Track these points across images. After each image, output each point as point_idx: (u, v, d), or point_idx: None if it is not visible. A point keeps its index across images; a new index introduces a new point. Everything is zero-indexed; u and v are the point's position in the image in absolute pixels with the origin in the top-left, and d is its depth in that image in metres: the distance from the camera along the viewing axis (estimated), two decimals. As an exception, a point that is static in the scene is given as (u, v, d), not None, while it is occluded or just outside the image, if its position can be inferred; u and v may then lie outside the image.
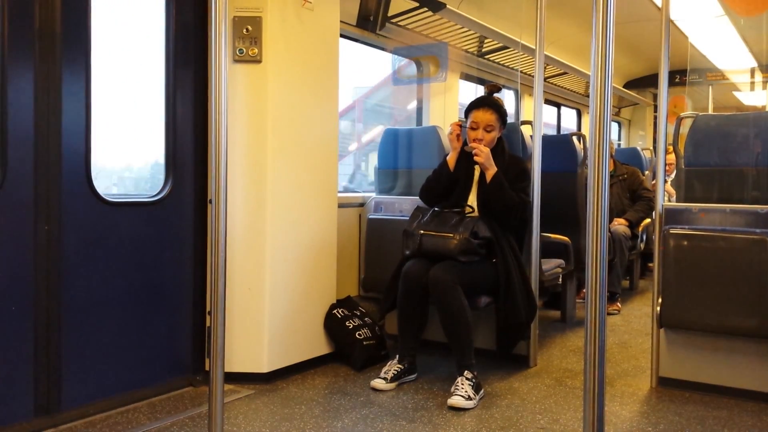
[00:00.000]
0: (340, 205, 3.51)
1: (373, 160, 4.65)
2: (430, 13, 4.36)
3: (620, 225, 4.86)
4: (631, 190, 5.13)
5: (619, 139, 9.57)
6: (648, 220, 5.07)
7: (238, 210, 2.95)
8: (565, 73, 6.75)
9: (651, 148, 7.42)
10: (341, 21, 3.44)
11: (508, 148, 3.23)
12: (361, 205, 3.97)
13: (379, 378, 2.99)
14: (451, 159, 3.15)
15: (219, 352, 1.94)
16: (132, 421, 2.55)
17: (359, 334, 3.28)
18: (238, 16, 2.92)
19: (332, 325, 3.31)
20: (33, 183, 2.40)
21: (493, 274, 3.00)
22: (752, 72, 7.51)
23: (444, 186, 3.15)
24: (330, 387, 3.00)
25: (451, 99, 5.18)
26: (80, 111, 2.53)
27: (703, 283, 2.84)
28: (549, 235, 3.68)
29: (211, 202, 1.96)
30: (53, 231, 2.46)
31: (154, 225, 2.84)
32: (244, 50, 2.92)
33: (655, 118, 8.90)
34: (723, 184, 3.07)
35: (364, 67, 5.36)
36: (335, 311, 3.33)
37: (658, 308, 2.97)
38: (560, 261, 3.86)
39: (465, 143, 3.15)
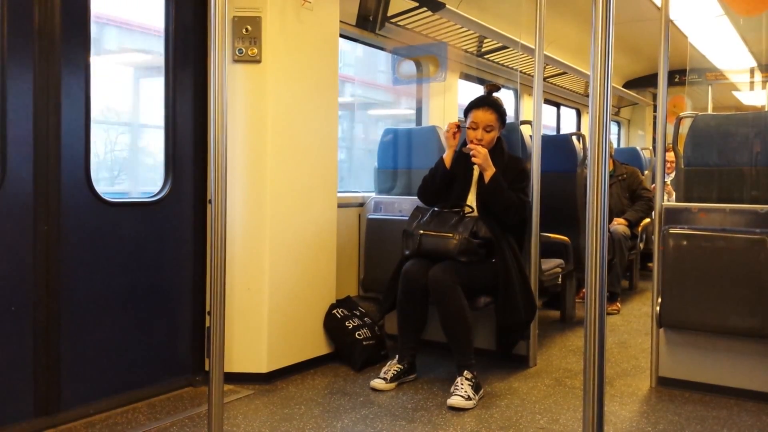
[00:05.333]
0: (340, 205, 3.51)
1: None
2: (429, 12, 4.36)
3: (620, 225, 4.86)
4: (630, 190, 5.13)
5: (619, 137, 9.57)
6: (647, 220, 5.07)
7: (238, 210, 2.95)
8: (564, 73, 6.75)
9: (650, 147, 7.42)
10: (341, 21, 3.44)
11: (508, 148, 3.23)
12: (361, 204, 3.97)
13: (379, 378, 2.99)
14: (447, 157, 3.15)
15: (218, 352, 1.94)
16: (132, 421, 2.55)
17: (359, 334, 3.28)
18: (237, 16, 2.91)
19: (332, 325, 3.31)
20: (32, 183, 2.40)
21: (493, 274, 3.00)
22: (752, 72, 7.50)
23: (440, 184, 3.15)
24: (330, 387, 3.00)
25: (451, 99, 5.18)
26: (80, 111, 2.52)
27: (702, 282, 2.84)
28: (548, 234, 3.67)
29: (210, 202, 1.96)
30: (53, 231, 2.46)
31: (154, 225, 2.83)
32: (244, 50, 2.92)
33: (655, 117, 8.91)
34: (722, 183, 3.06)
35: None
36: (335, 311, 3.33)
37: (658, 308, 2.97)
38: (560, 261, 3.86)
39: (464, 143, 3.15)
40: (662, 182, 3.11)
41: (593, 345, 1.43)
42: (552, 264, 3.73)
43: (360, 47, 4.80)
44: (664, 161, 3.20)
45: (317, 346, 3.29)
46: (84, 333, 2.57)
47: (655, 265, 3.03)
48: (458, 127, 3.13)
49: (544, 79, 5.34)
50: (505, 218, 3.05)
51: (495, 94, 3.19)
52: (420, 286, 2.96)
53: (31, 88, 2.38)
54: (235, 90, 2.92)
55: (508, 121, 3.24)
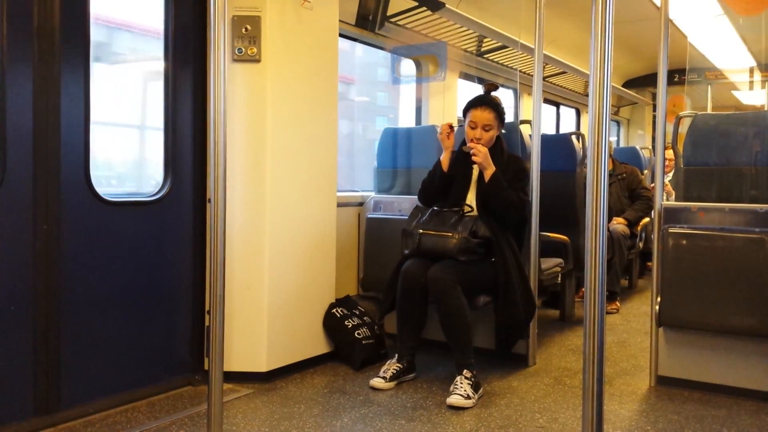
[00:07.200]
0: (339, 204, 3.51)
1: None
2: (429, 12, 4.36)
3: (619, 224, 4.86)
4: (630, 189, 5.13)
5: (618, 136, 9.57)
6: (647, 219, 5.07)
7: (237, 209, 2.95)
8: (564, 73, 6.75)
9: (650, 147, 7.43)
10: (340, 20, 3.44)
11: (507, 147, 3.23)
12: (360, 204, 3.97)
13: (378, 377, 2.99)
14: (444, 159, 3.15)
15: (218, 352, 1.94)
16: (131, 421, 2.55)
17: (358, 334, 3.28)
18: (237, 16, 2.91)
19: (331, 324, 3.31)
20: (32, 182, 2.40)
21: (492, 273, 3.00)
22: (751, 71, 7.50)
23: (438, 186, 3.15)
24: (329, 386, 3.00)
25: (450, 98, 5.18)
26: (79, 110, 2.52)
27: (701, 282, 2.85)
28: (548, 234, 3.68)
29: (210, 201, 1.96)
30: (52, 230, 2.46)
31: (153, 224, 2.83)
32: (243, 49, 2.92)
33: (654, 117, 8.91)
34: (722, 183, 3.07)
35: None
36: (334, 310, 3.33)
37: (657, 307, 2.98)
38: (559, 260, 3.86)
39: (464, 143, 3.15)
40: (662, 181, 3.11)
41: (593, 344, 1.43)
42: (551, 263, 3.73)
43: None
44: (664, 160, 3.21)
45: (317, 345, 3.29)
46: (83, 332, 2.57)
47: (654, 264, 3.03)
48: (451, 127, 3.14)
49: (544, 78, 5.35)
50: (504, 217, 3.05)
51: (493, 93, 3.19)
52: (419, 285, 2.96)
53: (30, 88, 2.38)
54: (234, 89, 2.92)
55: (507, 120, 3.24)
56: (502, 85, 5.95)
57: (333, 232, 3.38)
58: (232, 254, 2.88)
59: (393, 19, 4.36)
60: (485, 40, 5.26)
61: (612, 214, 4.93)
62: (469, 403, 2.74)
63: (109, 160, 3.27)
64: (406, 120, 5.48)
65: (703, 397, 2.89)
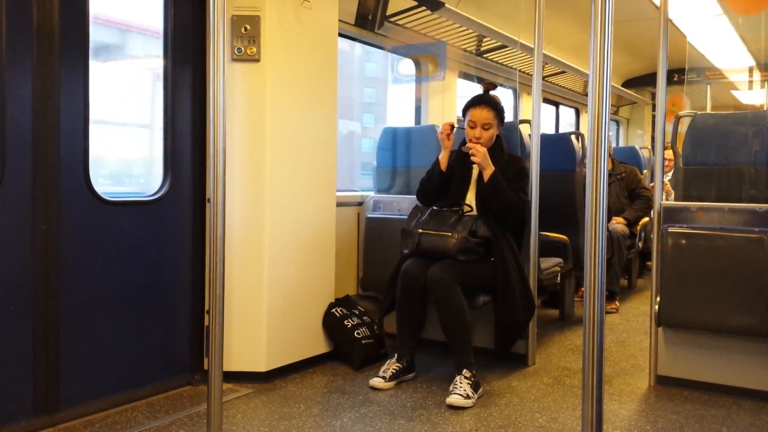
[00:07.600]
0: (339, 204, 3.51)
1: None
2: (428, 12, 4.36)
3: (618, 224, 4.86)
4: (629, 188, 5.13)
5: (618, 136, 9.57)
6: (646, 219, 5.07)
7: (237, 209, 2.95)
8: (563, 72, 6.75)
9: (649, 146, 7.43)
10: (340, 20, 3.44)
11: (507, 147, 3.23)
12: (360, 203, 3.97)
13: (378, 377, 2.99)
14: (443, 158, 3.15)
15: (217, 351, 1.94)
16: (131, 420, 2.55)
17: (358, 333, 3.28)
18: (236, 15, 2.91)
19: (331, 324, 3.31)
20: (31, 182, 2.39)
21: (492, 273, 3.00)
22: (750, 71, 7.51)
23: (437, 185, 3.15)
24: (329, 386, 3.00)
25: (450, 98, 5.18)
26: (78, 110, 2.52)
27: (701, 281, 2.85)
28: (547, 234, 3.68)
29: (209, 200, 1.96)
30: (52, 230, 2.45)
31: (153, 224, 2.83)
32: (243, 49, 2.92)
33: (654, 116, 8.91)
34: (721, 182, 3.07)
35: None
36: (334, 310, 3.33)
37: (657, 307, 2.98)
38: (559, 260, 3.86)
39: (464, 142, 3.15)
40: (661, 181, 3.11)
41: (592, 344, 1.43)
42: (551, 263, 3.73)
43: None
44: (663, 160, 3.21)
45: (316, 344, 3.29)
46: (83, 332, 2.57)
47: (653, 263, 3.03)
48: (452, 127, 3.14)
49: (543, 78, 5.35)
50: (504, 217, 3.05)
51: (492, 92, 3.19)
52: (419, 285, 2.96)
53: (30, 87, 2.38)
54: (234, 89, 2.92)
55: (507, 120, 3.24)
56: (502, 85, 5.96)
57: (332, 231, 3.38)
58: (232, 254, 2.88)
59: (392, 19, 4.36)
60: (485, 39, 5.26)
61: (611, 213, 4.93)
62: (468, 402, 2.74)
63: (108, 159, 3.26)
64: (396, 117, 5.47)
65: (703, 397, 2.89)
